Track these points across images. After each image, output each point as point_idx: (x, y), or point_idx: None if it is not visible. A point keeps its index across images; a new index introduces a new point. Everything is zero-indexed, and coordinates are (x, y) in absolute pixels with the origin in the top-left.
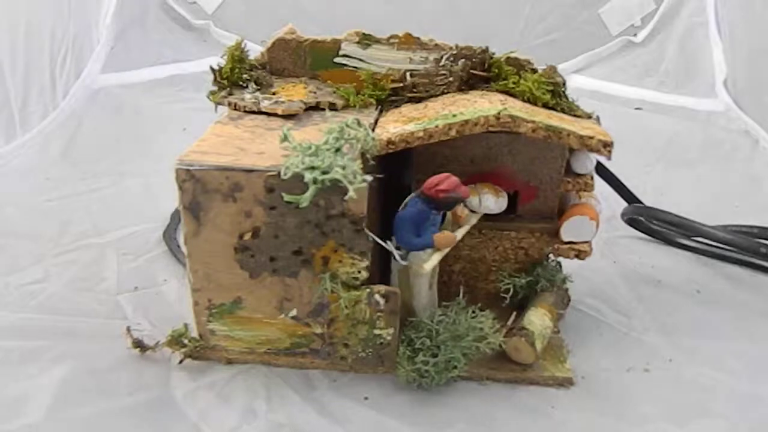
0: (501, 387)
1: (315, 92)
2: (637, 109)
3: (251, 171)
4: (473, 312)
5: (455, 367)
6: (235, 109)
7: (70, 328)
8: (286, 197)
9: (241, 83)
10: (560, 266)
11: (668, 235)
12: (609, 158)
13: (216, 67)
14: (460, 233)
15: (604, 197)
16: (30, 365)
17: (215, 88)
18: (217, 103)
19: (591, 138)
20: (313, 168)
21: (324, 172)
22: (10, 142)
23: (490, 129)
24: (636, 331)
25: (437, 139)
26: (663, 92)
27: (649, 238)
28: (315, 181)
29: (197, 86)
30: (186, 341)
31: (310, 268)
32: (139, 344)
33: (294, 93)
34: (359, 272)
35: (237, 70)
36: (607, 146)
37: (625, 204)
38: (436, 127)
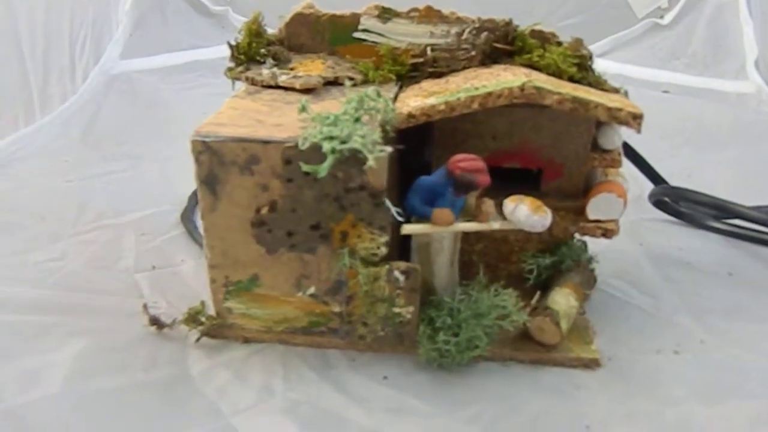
0: (524, 368)
1: (333, 67)
2: (664, 92)
3: (268, 142)
4: (495, 290)
5: (477, 347)
6: (253, 84)
7: (88, 305)
8: (304, 167)
9: (258, 58)
10: (586, 246)
11: (696, 217)
12: (639, 131)
13: (233, 43)
14: (467, 225)
15: (631, 178)
16: (47, 340)
17: (232, 64)
18: (235, 79)
19: (620, 110)
20: (331, 138)
21: (343, 142)
22: (30, 125)
23: (514, 101)
24: (665, 313)
25: (459, 113)
26: (691, 74)
27: (677, 220)
28: (333, 151)
29: (215, 72)
30: (203, 319)
31: (329, 243)
32: (156, 322)
33: (312, 68)
34: (378, 248)
35: (254, 44)
36: (636, 118)
37: (651, 185)
38: (458, 99)
